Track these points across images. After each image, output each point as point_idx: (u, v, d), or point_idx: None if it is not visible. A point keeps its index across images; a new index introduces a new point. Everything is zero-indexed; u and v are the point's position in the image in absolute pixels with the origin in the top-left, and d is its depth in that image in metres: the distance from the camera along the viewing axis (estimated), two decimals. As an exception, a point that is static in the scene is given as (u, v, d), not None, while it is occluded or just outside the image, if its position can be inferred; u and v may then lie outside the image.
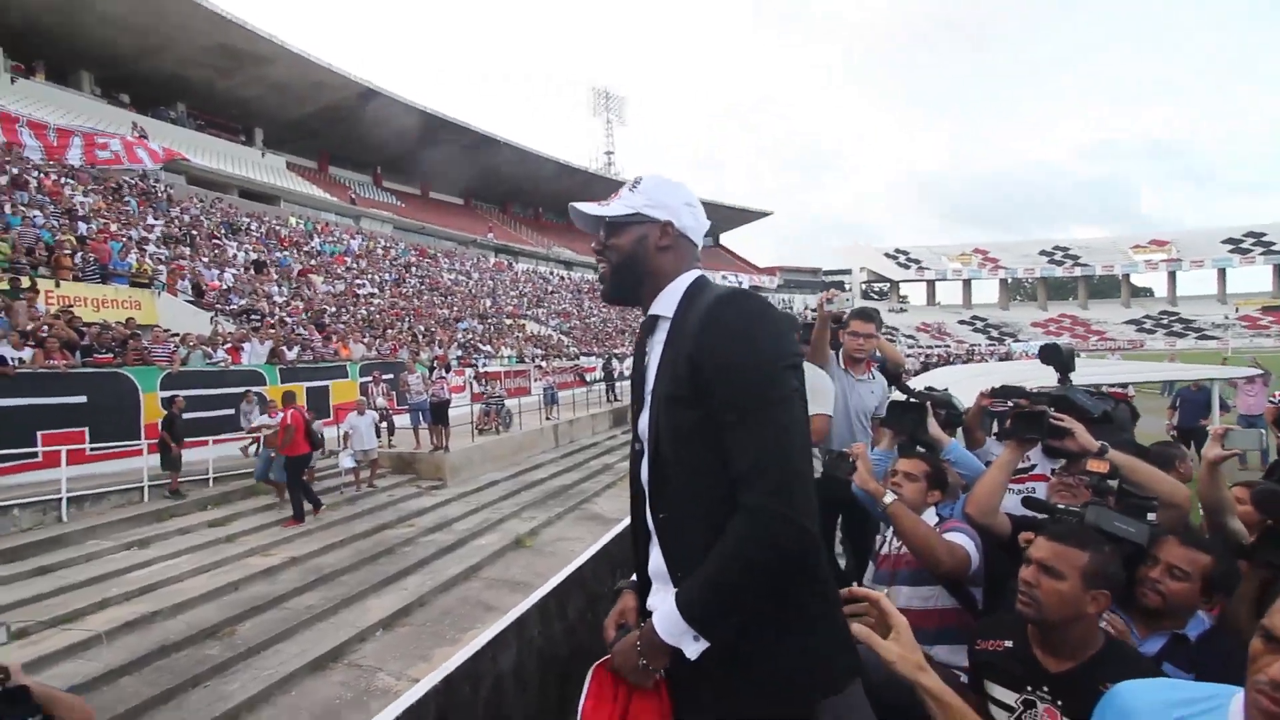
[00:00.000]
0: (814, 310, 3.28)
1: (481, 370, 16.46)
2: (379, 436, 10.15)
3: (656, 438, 1.12)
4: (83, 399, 7.93)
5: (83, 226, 13.26)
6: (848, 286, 63.17)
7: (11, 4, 22.06)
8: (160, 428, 8.05)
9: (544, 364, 18.49)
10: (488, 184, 44.61)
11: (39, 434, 7.39)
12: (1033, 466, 2.47)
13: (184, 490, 8.02)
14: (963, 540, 1.95)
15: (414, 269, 26.98)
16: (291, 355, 11.85)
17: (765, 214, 62.36)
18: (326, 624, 5.78)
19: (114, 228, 14.11)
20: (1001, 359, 33.10)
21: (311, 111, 32.36)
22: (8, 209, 12.21)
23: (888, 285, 64.69)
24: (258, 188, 28.58)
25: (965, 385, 3.75)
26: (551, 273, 41.14)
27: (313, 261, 20.98)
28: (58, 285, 10.64)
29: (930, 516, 2.14)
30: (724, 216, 57.75)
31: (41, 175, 14.98)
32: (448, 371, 13.06)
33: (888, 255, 63.70)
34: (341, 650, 5.37)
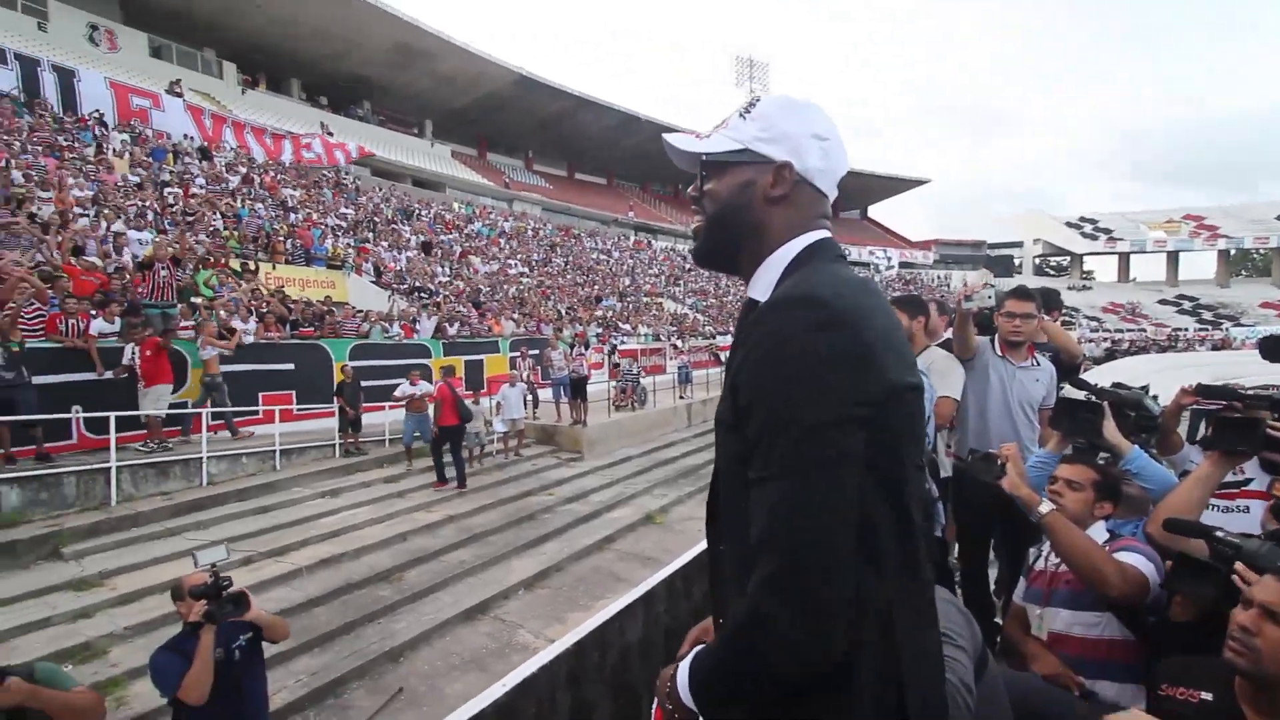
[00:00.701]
0: (970, 293, 3.02)
1: (618, 347, 17.02)
2: (525, 408, 10.94)
3: (717, 454, 0.94)
4: (291, 366, 9.40)
5: (292, 216, 15.55)
6: (1017, 261, 56.50)
7: (241, 26, 26.15)
8: (335, 392, 9.30)
9: (679, 343, 18.68)
10: (629, 162, 45.49)
11: (260, 395, 8.91)
12: (1246, 481, 2.03)
13: (365, 448, 9.25)
14: (1137, 561, 1.69)
15: (559, 248, 28.38)
16: (452, 331, 13.08)
17: (921, 182, 57.32)
18: (476, 579, 6.42)
19: (314, 217, 16.39)
20: (1215, 348, 27.87)
21: (472, 101, 34.90)
22: (238, 203, 14.65)
23: (1068, 259, 56.88)
24: (427, 176, 31.61)
25: (1164, 378, 3.23)
26: (690, 250, 41.18)
27: (472, 243, 22.85)
28: (274, 268, 12.62)
29: (1099, 532, 1.88)
30: (873, 187, 53.99)
31: (262, 173, 17.71)
32: (587, 348, 13.68)
33: (1069, 225, 55.79)
34: (488, 604, 5.95)
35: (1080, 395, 2.58)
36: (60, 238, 8.47)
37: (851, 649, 0.75)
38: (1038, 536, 2.29)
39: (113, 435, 6.66)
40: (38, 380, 6.56)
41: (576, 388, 11.48)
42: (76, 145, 13.60)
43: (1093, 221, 55.14)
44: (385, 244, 17.79)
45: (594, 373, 12.81)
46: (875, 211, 60.92)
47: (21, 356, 6.39)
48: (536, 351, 13.13)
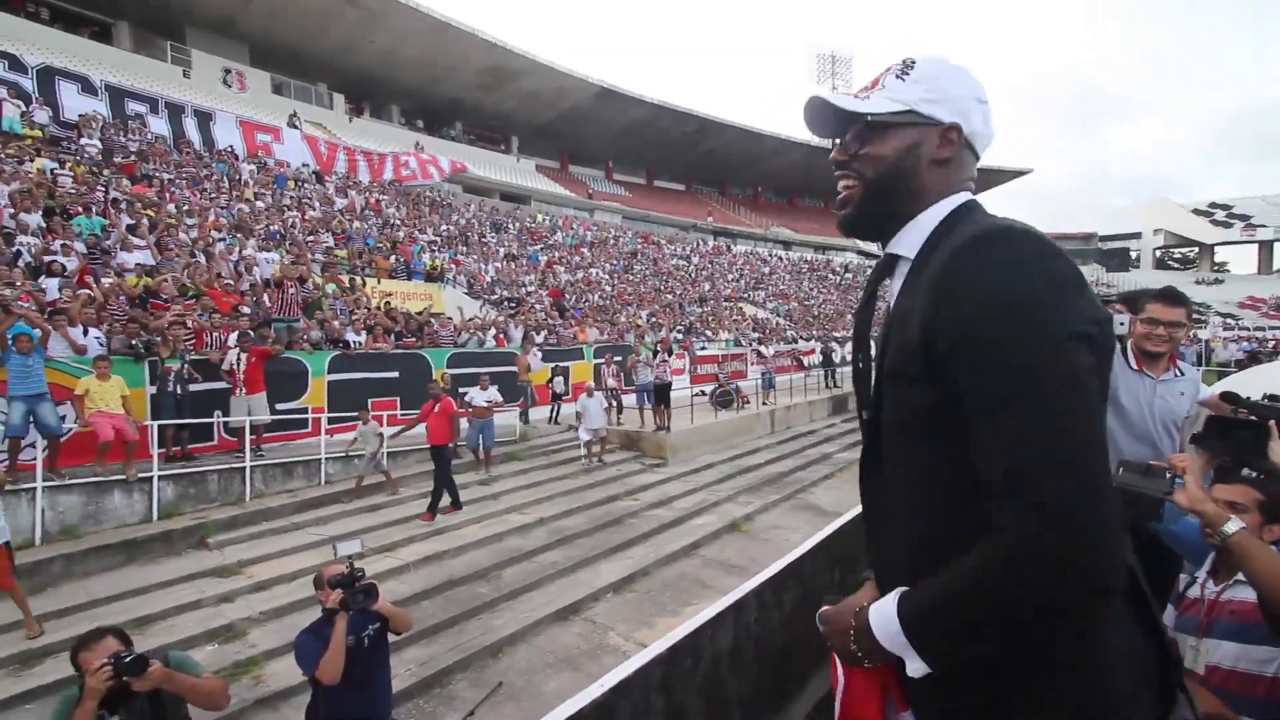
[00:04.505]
0: None
1: (697, 354, 17.01)
2: (606, 416, 11.15)
3: (878, 418, 0.92)
4: (395, 374, 10.07)
5: (396, 233, 16.68)
6: (1134, 254, 51.62)
7: (351, 60, 28.40)
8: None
9: (762, 349, 18.44)
10: (707, 167, 45.42)
11: (369, 400, 9.61)
12: None
13: (462, 452, 9.76)
14: None
15: (639, 256, 28.74)
16: (539, 339, 13.55)
17: (1022, 172, 53.50)
18: (567, 580, 6.63)
19: (415, 233, 17.50)
20: (1389, 348, 24.20)
21: (555, 115, 36.08)
22: (348, 223, 15.89)
23: (1195, 250, 51.39)
24: (514, 190, 32.99)
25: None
26: (770, 254, 40.58)
27: (556, 253, 23.59)
28: (379, 282, 13.58)
29: None
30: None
31: (368, 195, 19.10)
32: (669, 355, 13.79)
33: (1197, 212, 50.41)
34: (579, 606, 6.12)
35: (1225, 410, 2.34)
36: (201, 260, 9.55)
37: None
38: (1179, 565, 2.11)
39: (247, 438, 7.43)
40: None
41: (660, 394, 11.60)
42: (213, 177, 15.25)
43: (1226, 207, 49.58)
44: (476, 256, 18.71)
45: (675, 379, 12.90)
46: (970, 206, 57.52)
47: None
48: (620, 358, 13.37)
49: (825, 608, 1.02)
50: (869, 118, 0.93)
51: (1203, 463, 2.11)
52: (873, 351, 0.99)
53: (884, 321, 0.94)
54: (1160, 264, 52.71)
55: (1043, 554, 0.69)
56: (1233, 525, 1.63)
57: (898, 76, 0.94)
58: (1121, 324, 2.50)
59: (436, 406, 7.80)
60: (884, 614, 0.85)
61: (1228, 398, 2.40)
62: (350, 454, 8.35)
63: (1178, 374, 2.56)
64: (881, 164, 0.93)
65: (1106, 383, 0.79)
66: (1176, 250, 53.45)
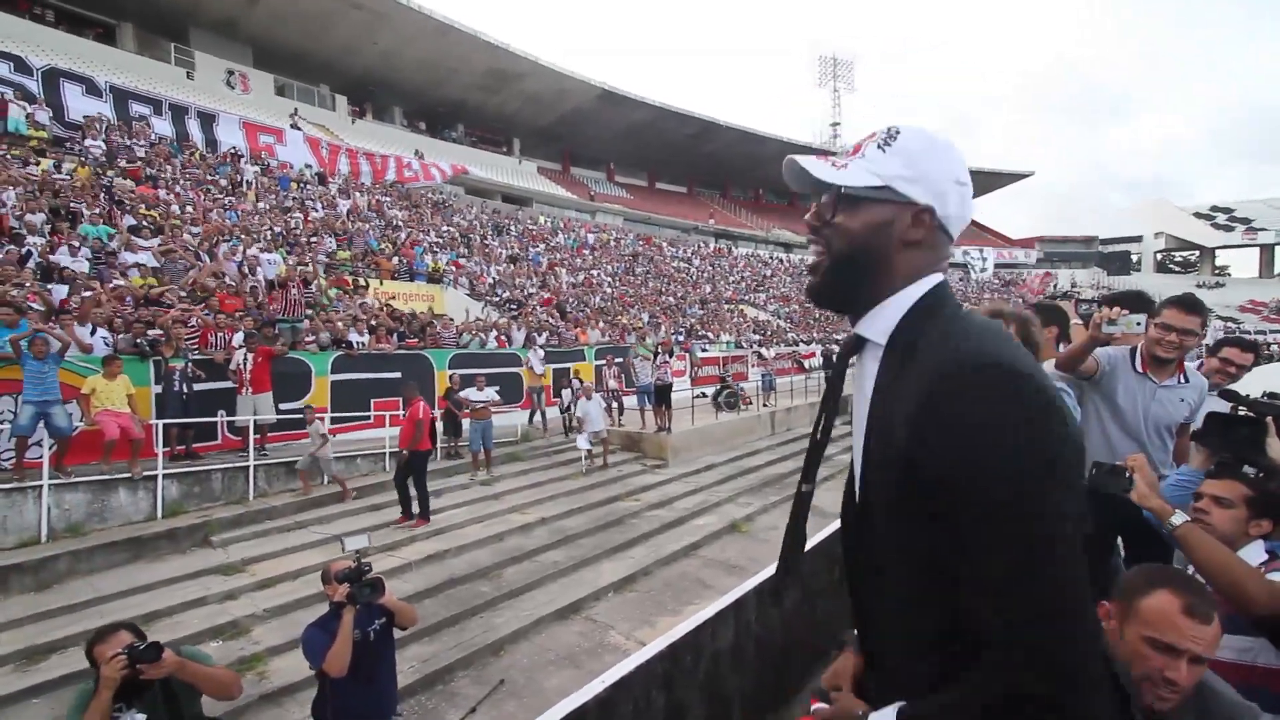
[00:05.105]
0: (1076, 295, 2.68)
1: (699, 356, 17.05)
2: (607, 417, 11.18)
3: (867, 515, 0.92)
4: (398, 374, 10.10)
5: (399, 235, 16.74)
6: (1135, 257, 51.60)
7: (354, 62, 28.50)
8: (444, 397, 9.87)
9: (763, 351, 18.48)
10: (709, 169, 45.50)
11: (372, 401, 9.66)
12: None
13: (462, 452, 9.81)
14: None
15: (641, 258, 28.81)
16: (541, 340, 13.60)
17: (1023, 175, 53.61)
18: (569, 579, 6.66)
19: (417, 235, 17.57)
20: (1390, 352, 24.20)
21: (557, 118, 36.17)
22: (350, 225, 15.96)
23: (1196, 254, 51.36)
24: (516, 192, 33.04)
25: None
26: (771, 256, 40.65)
27: (557, 255, 23.65)
28: (381, 283, 13.63)
29: (1255, 552, 1.75)
30: (971, 184, 51.06)
31: (371, 196, 19.18)
32: (670, 356, 13.83)
33: (1198, 215, 50.42)
34: (580, 605, 6.16)
35: (1226, 408, 2.38)
36: (208, 263, 9.61)
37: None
38: (1170, 553, 2.15)
39: (251, 437, 7.48)
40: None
41: (661, 395, 11.64)
42: (217, 179, 15.33)
43: (1227, 211, 49.59)
44: (478, 258, 18.77)
45: (676, 380, 12.95)
46: (971, 209, 57.55)
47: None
48: (621, 359, 13.41)
49: (819, 706, 1.05)
50: (843, 189, 0.90)
51: (1202, 459, 2.15)
52: (856, 440, 0.95)
53: (867, 415, 0.91)
54: (1161, 267, 52.77)
55: (1034, 699, 0.73)
56: (1177, 518, 1.72)
57: (879, 146, 0.90)
58: (1138, 324, 2.52)
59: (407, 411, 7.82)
60: None
61: (1226, 395, 2.44)
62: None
63: (1182, 380, 2.57)
64: (850, 238, 0.90)
65: (1080, 495, 0.80)
66: (1177, 253, 53.47)
